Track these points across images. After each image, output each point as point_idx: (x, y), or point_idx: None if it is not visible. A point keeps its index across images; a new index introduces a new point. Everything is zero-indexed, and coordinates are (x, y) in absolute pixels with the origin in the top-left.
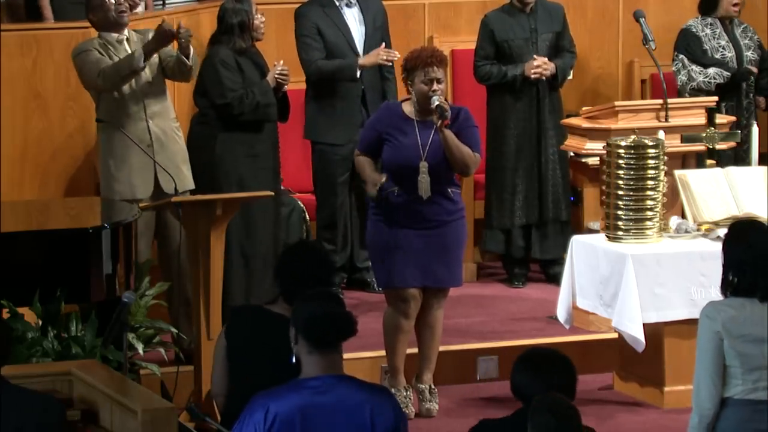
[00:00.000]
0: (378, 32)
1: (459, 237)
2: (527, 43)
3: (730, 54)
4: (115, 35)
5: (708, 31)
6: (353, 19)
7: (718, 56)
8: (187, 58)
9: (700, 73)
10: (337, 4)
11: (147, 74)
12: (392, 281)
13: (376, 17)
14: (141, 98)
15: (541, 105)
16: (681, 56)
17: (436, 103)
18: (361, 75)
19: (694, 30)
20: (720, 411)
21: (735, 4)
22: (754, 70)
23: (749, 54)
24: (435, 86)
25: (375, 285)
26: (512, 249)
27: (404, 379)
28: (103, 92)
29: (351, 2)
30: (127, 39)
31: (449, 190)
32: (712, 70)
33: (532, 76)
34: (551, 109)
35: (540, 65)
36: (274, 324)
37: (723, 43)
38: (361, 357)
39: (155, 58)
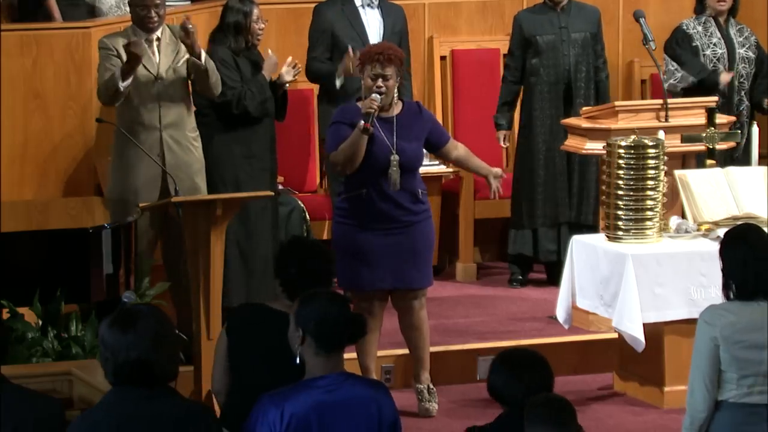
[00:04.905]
0: (396, 37)
1: (427, 237)
2: (558, 39)
3: (721, 50)
4: (145, 34)
5: (700, 28)
6: (373, 21)
7: (708, 52)
8: (198, 58)
9: (673, 73)
10: (358, 3)
11: (166, 82)
12: (358, 284)
13: (395, 22)
14: (157, 106)
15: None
16: (665, 57)
17: (370, 107)
18: None
19: (684, 27)
20: (714, 413)
21: (720, 0)
22: (725, 79)
23: (742, 51)
24: (380, 82)
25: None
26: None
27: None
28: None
29: (372, 3)
30: (158, 38)
31: (419, 190)
32: (680, 74)
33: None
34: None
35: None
36: (275, 321)
37: (715, 40)
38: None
39: (180, 65)
